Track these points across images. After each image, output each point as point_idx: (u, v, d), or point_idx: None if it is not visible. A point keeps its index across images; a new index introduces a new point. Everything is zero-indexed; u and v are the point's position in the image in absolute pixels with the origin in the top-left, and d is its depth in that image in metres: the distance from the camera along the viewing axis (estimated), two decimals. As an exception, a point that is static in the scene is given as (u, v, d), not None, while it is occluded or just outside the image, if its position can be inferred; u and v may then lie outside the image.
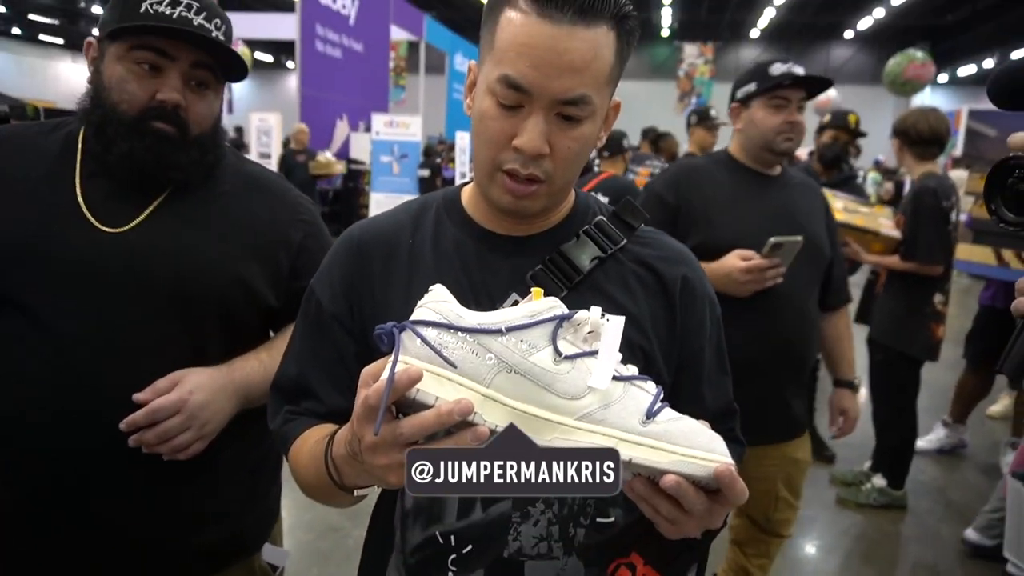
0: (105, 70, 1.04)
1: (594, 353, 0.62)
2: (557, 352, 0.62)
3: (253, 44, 13.65)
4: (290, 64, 17.53)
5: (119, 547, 1.06)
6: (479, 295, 0.82)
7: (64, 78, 28.76)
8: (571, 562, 0.81)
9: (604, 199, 1.01)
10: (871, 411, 3.52)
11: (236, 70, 1.09)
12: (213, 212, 1.12)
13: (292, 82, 8.31)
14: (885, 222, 3.10)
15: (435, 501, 0.81)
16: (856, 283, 3.47)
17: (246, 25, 13.14)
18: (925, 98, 16.71)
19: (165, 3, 1.00)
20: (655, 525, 0.65)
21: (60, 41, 28.63)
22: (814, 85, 1.82)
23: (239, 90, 18.17)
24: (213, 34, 1.04)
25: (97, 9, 23.39)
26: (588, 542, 0.81)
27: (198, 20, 1.02)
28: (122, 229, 1.04)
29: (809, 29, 24.29)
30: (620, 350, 0.65)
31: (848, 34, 24.41)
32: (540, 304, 0.63)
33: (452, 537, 0.80)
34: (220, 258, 1.09)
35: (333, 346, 0.85)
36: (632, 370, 0.66)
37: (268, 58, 26.52)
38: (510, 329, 0.61)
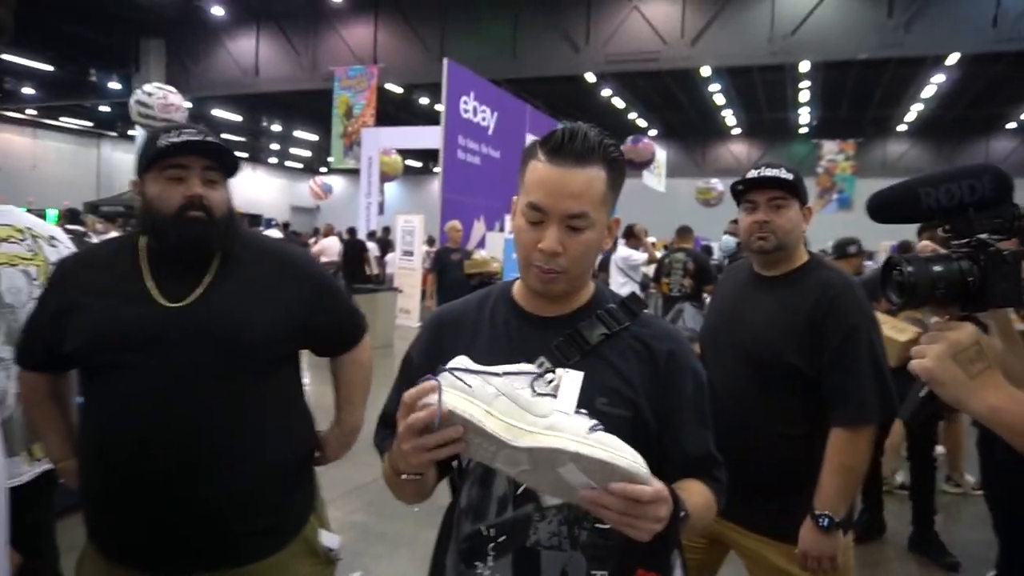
0: (148, 193, 1.43)
1: (554, 395, 0.91)
2: (533, 391, 0.90)
3: (405, 153, 15.05)
4: (436, 169, 19.32)
5: (212, 532, 1.40)
6: (517, 356, 1.06)
7: (245, 186, 32.65)
8: (575, 556, 1.05)
9: None
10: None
11: (233, 167, 1.48)
12: (247, 276, 1.48)
13: (436, 186, 9.06)
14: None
15: (481, 502, 1.09)
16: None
17: (399, 136, 14.58)
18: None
19: (172, 136, 1.39)
20: (621, 531, 0.88)
21: (245, 155, 32.71)
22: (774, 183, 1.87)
23: (390, 193, 19.88)
24: (208, 138, 1.43)
25: (276, 127, 26.73)
26: (589, 541, 1.05)
27: (198, 139, 1.41)
28: (185, 303, 1.40)
29: (963, 121, 23.08)
30: (611, 398, 1.04)
31: (1010, 125, 22.91)
32: (528, 366, 0.94)
33: (492, 530, 1.08)
34: (253, 319, 1.44)
35: None
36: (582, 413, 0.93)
37: (417, 164, 28.92)
38: (506, 373, 0.91)
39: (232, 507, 1.41)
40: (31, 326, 1.53)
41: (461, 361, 0.93)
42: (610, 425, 1.00)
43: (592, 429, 0.87)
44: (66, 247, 2.03)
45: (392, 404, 1.19)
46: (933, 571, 3.51)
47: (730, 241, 4.48)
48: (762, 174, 1.88)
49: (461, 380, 0.89)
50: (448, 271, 7.87)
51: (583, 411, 0.91)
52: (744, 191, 1.92)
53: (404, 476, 1.01)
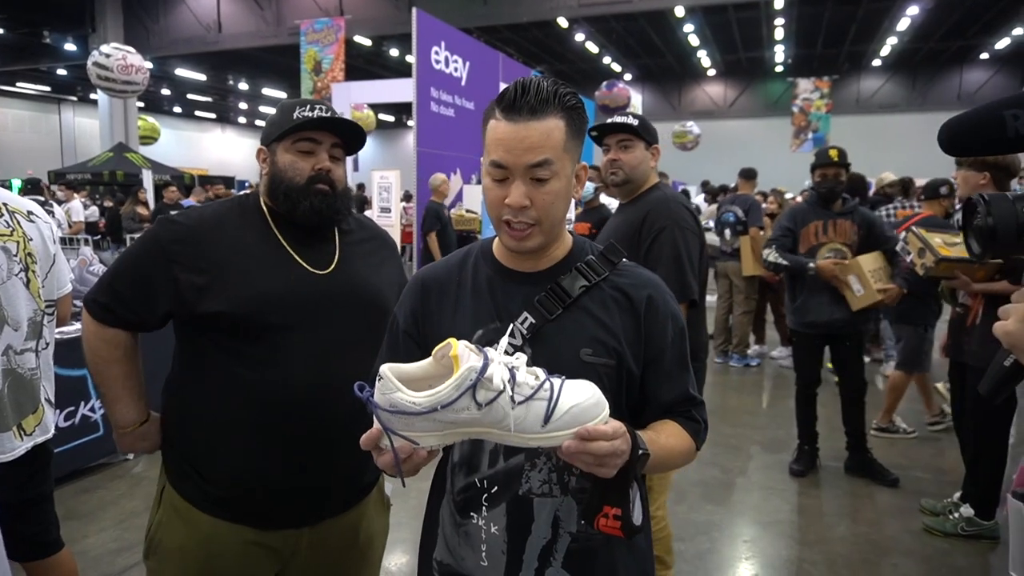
0: (278, 161, 1.50)
1: (500, 394, 0.88)
2: (478, 405, 0.88)
3: (377, 107, 14.78)
4: (410, 123, 19.08)
5: (348, 483, 1.54)
6: (501, 314, 1.14)
7: (215, 148, 31.99)
8: (566, 500, 1.11)
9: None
10: (959, 441, 3.46)
11: (357, 144, 1.57)
12: (364, 250, 1.62)
13: (411, 139, 8.95)
14: None
15: (474, 455, 1.13)
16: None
17: (371, 91, 14.28)
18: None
19: (307, 111, 1.47)
20: (593, 472, 0.94)
21: (212, 116, 31.98)
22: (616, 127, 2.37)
23: (364, 149, 19.60)
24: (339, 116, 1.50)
25: (243, 86, 26.07)
26: (578, 486, 1.10)
27: (330, 116, 1.48)
28: (328, 271, 1.51)
29: (937, 54, 23.02)
30: (596, 348, 1.05)
31: (983, 56, 22.89)
32: (459, 375, 0.88)
33: (484, 481, 1.13)
34: (379, 284, 1.58)
35: (406, 353, 1.17)
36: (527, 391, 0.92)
37: (390, 118, 28.38)
38: (444, 407, 0.88)
39: (365, 458, 1.50)
40: (128, 281, 1.47)
41: (387, 385, 0.91)
42: (595, 374, 1.05)
43: (548, 416, 0.89)
44: (44, 221, 2.00)
45: (382, 361, 1.20)
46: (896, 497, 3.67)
47: (589, 186, 4.71)
48: (612, 120, 2.37)
49: (405, 430, 0.91)
50: (447, 229, 7.57)
51: (531, 375, 0.92)
52: (599, 137, 2.41)
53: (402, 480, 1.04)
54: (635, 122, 2.35)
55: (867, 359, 5.52)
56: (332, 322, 1.47)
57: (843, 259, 3.74)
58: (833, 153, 3.82)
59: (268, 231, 1.51)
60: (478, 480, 1.13)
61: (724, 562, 3.09)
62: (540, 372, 0.93)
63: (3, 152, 23.52)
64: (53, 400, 2.04)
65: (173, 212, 1.58)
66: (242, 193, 1.61)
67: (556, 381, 0.92)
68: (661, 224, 2.27)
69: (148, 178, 8.84)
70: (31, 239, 1.92)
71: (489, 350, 0.92)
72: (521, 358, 0.94)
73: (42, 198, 9.83)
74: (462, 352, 0.89)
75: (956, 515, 3.24)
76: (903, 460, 4.14)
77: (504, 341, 1.00)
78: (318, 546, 1.53)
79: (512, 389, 0.89)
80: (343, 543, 1.57)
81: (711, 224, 7.46)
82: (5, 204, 1.90)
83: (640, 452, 0.99)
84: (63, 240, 6.86)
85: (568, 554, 1.11)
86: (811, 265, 3.77)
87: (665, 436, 1.11)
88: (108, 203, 14.04)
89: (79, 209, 11.31)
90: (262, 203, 1.54)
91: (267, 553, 1.48)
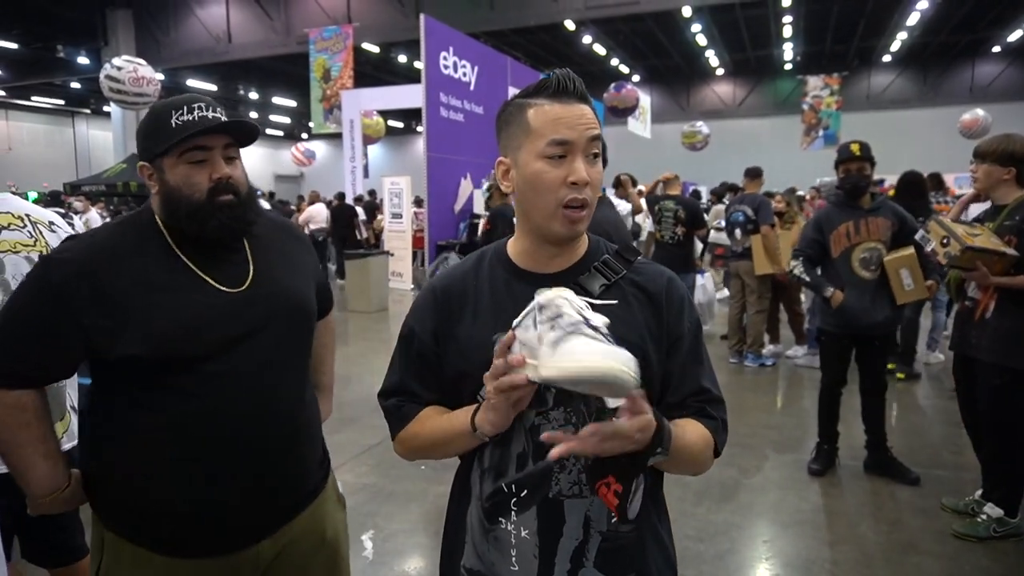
0: (169, 178, 1.33)
1: (558, 318, 0.94)
2: (534, 325, 0.96)
3: (386, 113, 14.83)
4: (420, 128, 18.98)
5: (297, 491, 1.49)
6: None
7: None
8: (596, 500, 1.09)
9: None
10: (970, 437, 3.45)
11: (249, 138, 1.40)
12: (276, 251, 1.49)
13: (421, 145, 8.96)
14: (997, 242, 3.02)
15: (502, 460, 1.13)
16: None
17: (380, 97, 14.35)
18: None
19: (185, 114, 1.30)
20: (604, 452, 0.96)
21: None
22: None
23: (374, 156, 19.62)
24: (223, 118, 1.33)
25: (253, 95, 26.25)
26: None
27: (212, 115, 1.32)
28: (244, 288, 1.38)
29: (948, 48, 22.84)
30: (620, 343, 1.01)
31: (995, 49, 22.69)
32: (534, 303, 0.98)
33: (513, 486, 1.12)
34: (300, 287, 1.50)
35: (427, 365, 1.21)
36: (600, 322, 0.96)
37: (400, 124, 28.48)
38: (516, 325, 0.99)
39: (312, 463, 1.53)
40: (27, 336, 1.30)
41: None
42: None
43: (557, 342, 0.92)
44: (64, 231, 2.03)
45: (396, 377, 1.24)
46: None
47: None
48: None
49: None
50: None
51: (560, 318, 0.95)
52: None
53: (485, 436, 1.08)
54: None
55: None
56: (257, 342, 1.36)
57: (879, 258, 3.69)
58: (855, 147, 3.73)
59: (170, 253, 1.35)
60: (505, 485, 1.13)
61: (745, 563, 3.08)
62: (603, 326, 0.96)
63: (19, 165, 23.82)
64: (78, 407, 2.07)
65: (65, 241, 1.40)
66: (133, 212, 1.45)
67: (608, 340, 0.93)
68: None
69: (162, 188, 9.01)
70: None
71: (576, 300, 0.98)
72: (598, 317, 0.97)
73: (63, 210, 9.96)
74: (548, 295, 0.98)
75: (984, 517, 3.19)
76: (923, 458, 4.11)
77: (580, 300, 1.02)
78: (286, 554, 1.46)
79: (574, 317, 0.94)
80: (310, 544, 1.51)
81: (721, 224, 7.44)
82: (28, 215, 1.93)
83: (659, 450, 0.99)
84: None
85: (599, 553, 1.11)
86: (827, 295, 3.75)
87: (689, 432, 1.11)
88: (125, 212, 14.19)
89: (97, 220, 11.45)
90: (158, 220, 1.37)
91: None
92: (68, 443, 1.97)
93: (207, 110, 1.32)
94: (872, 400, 3.89)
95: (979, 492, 3.34)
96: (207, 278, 1.35)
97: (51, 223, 1.99)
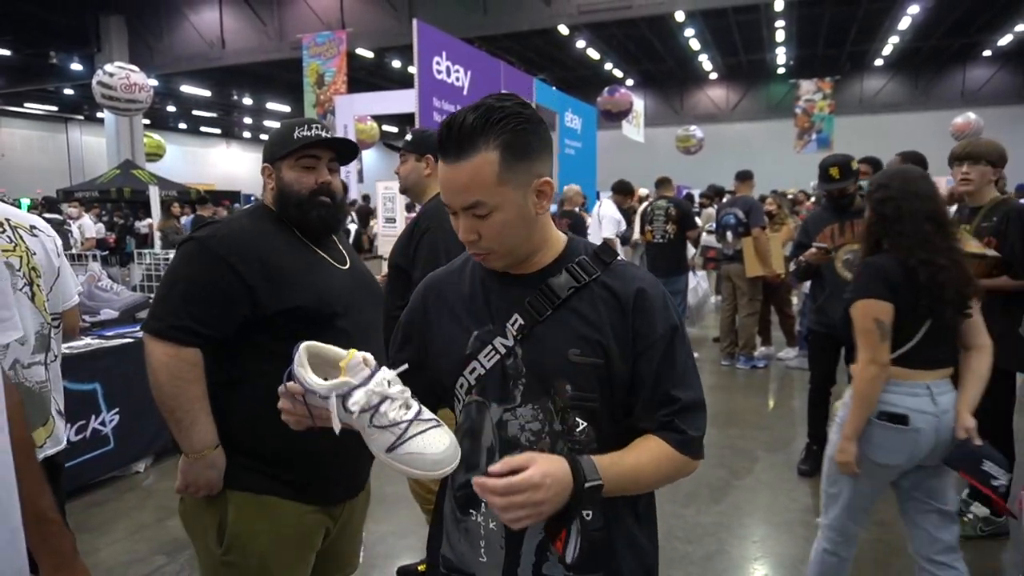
0: (284, 177, 1.69)
1: (361, 412, 1.03)
2: (347, 411, 1.04)
3: (380, 119, 14.85)
4: (414, 134, 18.92)
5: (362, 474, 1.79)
6: (494, 316, 1.17)
7: (220, 163, 32.15)
8: None
9: None
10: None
11: (350, 157, 1.77)
12: (350, 248, 1.87)
13: (413, 151, 8.93)
14: (977, 244, 3.04)
15: (473, 452, 1.15)
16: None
17: (373, 103, 14.35)
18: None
19: (305, 130, 1.66)
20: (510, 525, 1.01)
21: (217, 131, 32.16)
22: None
23: (368, 161, 19.64)
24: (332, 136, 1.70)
25: (247, 100, 26.25)
26: None
27: (324, 134, 1.68)
28: (347, 267, 1.76)
29: (939, 53, 22.98)
30: (583, 348, 1.10)
31: (986, 53, 22.83)
32: (334, 383, 1.05)
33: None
34: (370, 272, 1.88)
35: (413, 350, 1.28)
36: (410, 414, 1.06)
37: (393, 129, 28.49)
38: (321, 397, 1.05)
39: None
40: (204, 299, 1.55)
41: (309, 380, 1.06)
42: (582, 375, 1.09)
43: (393, 445, 1.03)
44: (47, 235, 2.03)
45: (390, 355, 1.33)
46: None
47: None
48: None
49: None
50: (579, 231, 7.09)
51: (388, 400, 1.04)
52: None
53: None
54: (405, 140, 2.70)
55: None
56: (363, 308, 1.73)
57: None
58: (834, 172, 3.79)
59: (294, 236, 1.70)
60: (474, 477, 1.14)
61: (733, 563, 3.09)
62: (414, 410, 1.05)
63: (12, 172, 23.73)
64: (63, 411, 2.07)
65: (204, 227, 1.64)
66: (248, 207, 1.81)
67: (419, 425, 1.03)
68: (424, 226, 2.51)
69: (155, 194, 8.90)
70: (34, 253, 1.95)
71: (382, 372, 1.04)
72: (404, 392, 1.06)
73: (60, 217, 9.97)
74: (352, 365, 1.03)
75: (971, 516, 3.21)
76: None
77: (389, 372, 1.07)
78: (349, 509, 1.77)
79: (372, 414, 1.03)
80: (362, 503, 1.85)
81: (712, 227, 7.46)
82: (7, 219, 1.93)
83: (586, 485, 1.00)
84: (76, 256, 6.92)
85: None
86: (802, 257, 3.88)
87: (635, 455, 1.09)
88: (118, 219, 14.16)
89: (90, 225, 11.43)
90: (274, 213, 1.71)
91: (328, 524, 1.70)
92: (52, 448, 1.97)
93: (321, 130, 1.68)
94: None
95: (966, 492, 3.35)
96: (325, 256, 1.72)
97: (32, 227, 1.99)
